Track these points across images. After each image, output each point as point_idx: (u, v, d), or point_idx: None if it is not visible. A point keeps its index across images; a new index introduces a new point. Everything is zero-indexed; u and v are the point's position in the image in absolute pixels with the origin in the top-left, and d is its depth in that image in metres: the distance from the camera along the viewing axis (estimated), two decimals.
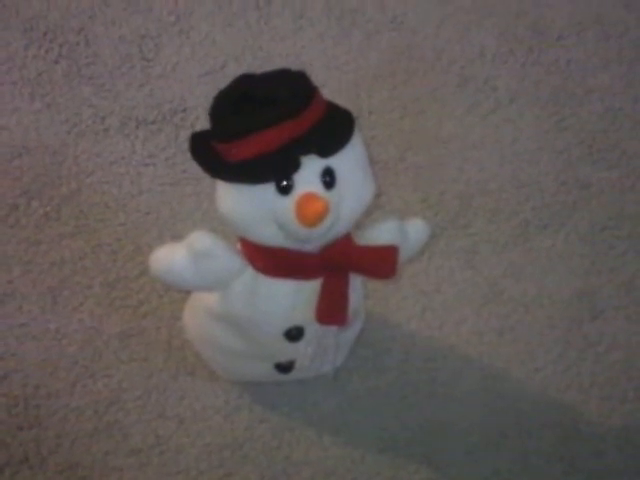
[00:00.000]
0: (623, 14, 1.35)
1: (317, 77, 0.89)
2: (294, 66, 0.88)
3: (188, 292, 0.99)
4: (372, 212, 0.99)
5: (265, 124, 0.81)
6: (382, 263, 0.88)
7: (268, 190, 0.84)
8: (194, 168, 1.16)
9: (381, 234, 0.91)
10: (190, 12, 1.30)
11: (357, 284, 0.93)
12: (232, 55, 1.27)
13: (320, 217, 0.83)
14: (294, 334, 0.93)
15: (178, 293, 1.06)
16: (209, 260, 0.88)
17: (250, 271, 0.90)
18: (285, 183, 0.83)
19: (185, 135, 1.20)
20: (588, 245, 1.15)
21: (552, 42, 1.31)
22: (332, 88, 1.23)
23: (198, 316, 0.96)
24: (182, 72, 1.26)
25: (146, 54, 1.27)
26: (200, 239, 0.88)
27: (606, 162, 1.22)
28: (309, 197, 0.82)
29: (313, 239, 0.86)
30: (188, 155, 1.17)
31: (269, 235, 0.86)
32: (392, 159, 1.21)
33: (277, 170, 0.83)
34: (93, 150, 1.18)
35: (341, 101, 0.89)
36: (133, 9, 1.30)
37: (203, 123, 1.21)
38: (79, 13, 1.29)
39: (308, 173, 0.83)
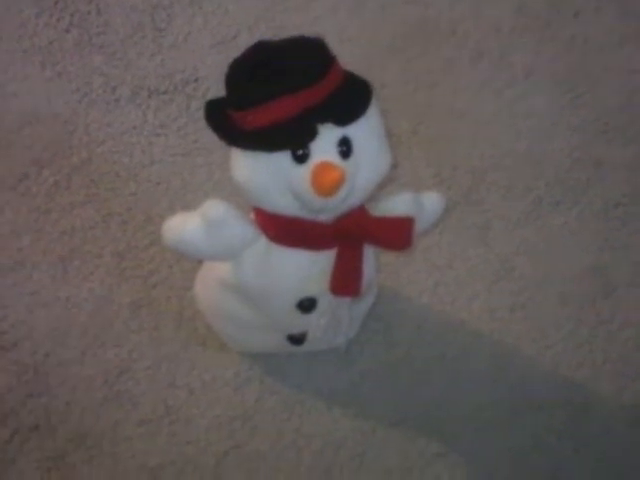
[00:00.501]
0: None
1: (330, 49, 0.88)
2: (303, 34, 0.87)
3: (199, 262, 0.99)
4: (385, 185, 0.98)
5: (282, 91, 0.80)
6: (398, 234, 0.88)
7: (284, 158, 0.83)
8: (205, 138, 1.17)
9: (396, 205, 0.90)
10: None
11: (370, 255, 0.92)
12: (245, 25, 1.26)
13: (336, 186, 0.82)
14: (307, 305, 0.92)
15: (188, 263, 1.06)
16: (222, 228, 0.87)
17: (263, 240, 0.90)
18: (301, 152, 0.82)
19: (197, 105, 1.19)
20: (601, 222, 1.14)
21: (569, 18, 1.30)
22: (345, 60, 1.20)
23: (210, 286, 0.96)
24: (194, 42, 1.25)
25: (158, 24, 1.26)
26: (214, 207, 0.87)
27: (621, 140, 1.21)
28: (325, 166, 0.82)
29: (328, 209, 0.85)
30: (200, 125, 1.18)
31: (284, 204, 0.85)
32: (405, 133, 1.20)
33: (293, 138, 0.82)
34: (104, 119, 1.18)
35: None
36: None
37: (215, 93, 1.19)
38: None
39: (324, 142, 0.82)
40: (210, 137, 1.04)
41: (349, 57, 1.28)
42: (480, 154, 1.19)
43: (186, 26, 1.25)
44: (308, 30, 1.25)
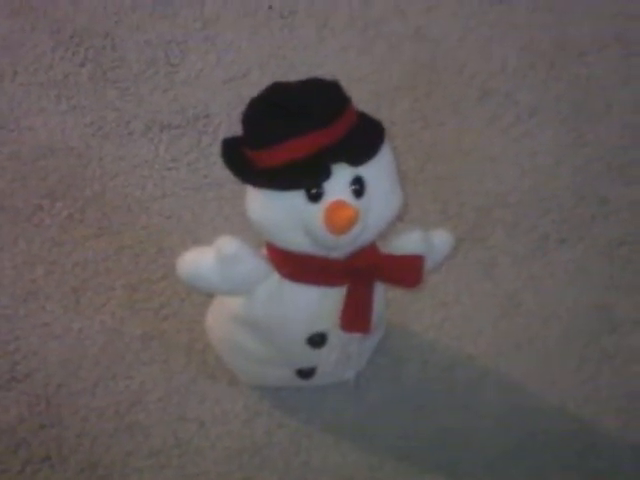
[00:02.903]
0: None
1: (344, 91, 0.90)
2: (317, 76, 0.89)
3: (210, 296, 1.00)
4: (393, 223, 1.00)
5: (298, 132, 0.82)
6: (408, 272, 0.89)
7: (298, 197, 0.84)
8: (216, 173, 1.19)
9: (407, 243, 0.92)
10: (216, 19, 1.32)
11: (380, 292, 0.94)
12: (256, 63, 1.28)
13: (349, 225, 0.84)
14: (317, 340, 0.94)
15: (199, 297, 1.07)
16: (236, 264, 0.89)
17: (275, 276, 0.91)
18: (315, 191, 0.84)
19: (207, 140, 1.21)
20: (606, 260, 1.16)
21: (573, 58, 1.32)
22: (354, 99, 1.22)
23: (221, 320, 0.97)
24: (206, 78, 1.27)
25: (171, 59, 1.28)
26: (228, 243, 0.89)
27: (625, 178, 1.22)
28: (339, 205, 0.83)
29: (340, 247, 0.87)
30: (211, 160, 1.20)
31: (297, 241, 0.87)
32: (412, 170, 1.21)
33: (308, 178, 0.84)
34: (117, 153, 1.19)
35: None
36: (159, 14, 1.31)
37: (226, 129, 1.22)
38: (106, 17, 1.31)
39: (338, 181, 0.84)
40: (221, 172, 1.06)
41: (358, 95, 1.30)
42: (486, 191, 1.21)
43: (199, 62, 1.28)
44: (318, 68, 1.28)
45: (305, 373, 0.98)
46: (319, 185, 0.84)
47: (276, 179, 0.84)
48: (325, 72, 1.26)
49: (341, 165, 0.84)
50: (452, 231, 1.14)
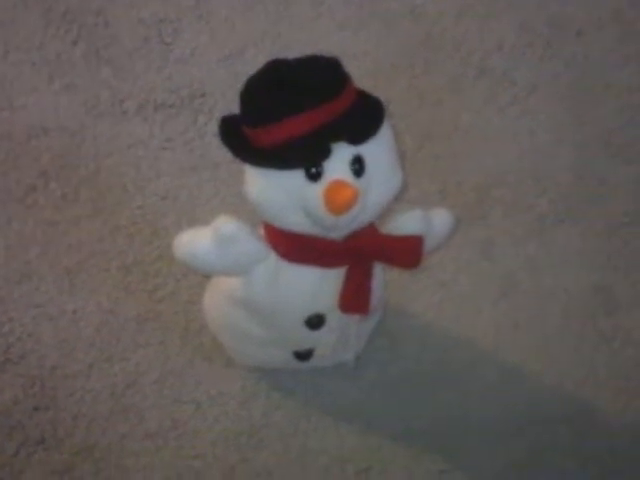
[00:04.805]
0: None
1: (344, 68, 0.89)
2: (313, 53, 0.87)
3: (207, 277, 0.99)
4: (392, 203, 0.99)
5: (296, 109, 0.81)
6: (407, 252, 0.89)
7: (297, 176, 0.83)
8: (212, 153, 1.18)
9: (406, 224, 0.91)
10: None
11: (379, 273, 0.93)
12: (251, 41, 1.27)
13: (349, 205, 0.83)
14: (315, 322, 0.93)
15: (195, 277, 1.06)
16: (234, 245, 0.88)
17: (273, 257, 0.90)
18: (315, 170, 0.83)
19: (203, 120, 1.20)
20: (604, 240, 1.15)
21: (571, 37, 1.31)
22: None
23: (218, 301, 0.96)
24: (201, 56, 1.25)
25: (165, 38, 1.26)
26: (225, 224, 0.88)
27: (623, 157, 1.22)
28: (339, 184, 0.82)
29: (339, 227, 0.86)
30: (206, 140, 1.19)
31: (296, 221, 0.86)
32: (410, 149, 1.20)
33: (307, 156, 0.82)
34: (111, 132, 1.18)
35: None
36: None
37: (221, 108, 1.20)
38: None
39: (338, 160, 0.83)
40: (217, 151, 1.05)
41: (355, 74, 1.29)
42: (484, 170, 1.20)
43: (193, 40, 1.26)
44: (314, 46, 1.26)
45: (303, 355, 0.98)
46: (318, 164, 0.83)
47: (275, 158, 0.83)
48: (321, 50, 1.24)
49: (341, 144, 0.83)
50: (450, 210, 1.14)
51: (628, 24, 1.33)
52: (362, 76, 1.24)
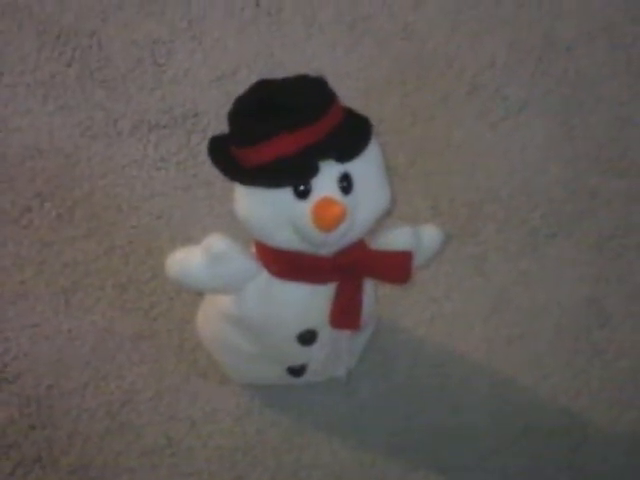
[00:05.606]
0: (631, 26, 1.36)
1: (330, 87, 0.90)
2: (305, 73, 0.89)
3: (200, 295, 1.00)
4: (382, 217, 1.00)
5: (284, 129, 0.82)
6: (397, 268, 0.89)
7: (286, 194, 0.84)
8: (205, 172, 1.19)
9: (395, 239, 0.92)
10: (202, 17, 1.31)
11: (370, 289, 0.94)
12: (244, 61, 1.28)
13: (337, 222, 0.83)
14: (307, 338, 0.93)
15: (189, 296, 1.07)
16: (225, 263, 0.89)
17: (264, 274, 0.91)
18: (303, 188, 0.84)
19: (196, 139, 1.21)
20: (596, 253, 1.16)
21: (562, 52, 1.32)
22: (343, 95, 1.22)
23: (211, 318, 0.97)
24: (194, 77, 1.26)
25: (158, 59, 1.27)
26: (216, 242, 0.88)
27: (614, 171, 1.23)
28: (327, 202, 0.83)
29: (328, 244, 0.87)
30: (199, 159, 1.20)
31: (285, 239, 0.86)
32: (402, 166, 1.21)
33: (295, 175, 0.83)
34: (105, 153, 1.19)
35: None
36: (146, 13, 1.31)
37: (214, 128, 1.21)
38: (92, 16, 1.30)
39: (326, 178, 0.84)
40: (210, 171, 1.05)
41: (347, 92, 1.30)
42: (476, 186, 1.21)
43: (186, 61, 1.27)
44: (306, 66, 1.28)
45: (296, 371, 0.98)
46: (307, 182, 0.84)
47: (263, 176, 0.83)
48: (313, 69, 1.25)
49: (329, 162, 0.84)
50: (443, 227, 1.14)
51: (618, 38, 1.34)
52: (354, 94, 1.26)
